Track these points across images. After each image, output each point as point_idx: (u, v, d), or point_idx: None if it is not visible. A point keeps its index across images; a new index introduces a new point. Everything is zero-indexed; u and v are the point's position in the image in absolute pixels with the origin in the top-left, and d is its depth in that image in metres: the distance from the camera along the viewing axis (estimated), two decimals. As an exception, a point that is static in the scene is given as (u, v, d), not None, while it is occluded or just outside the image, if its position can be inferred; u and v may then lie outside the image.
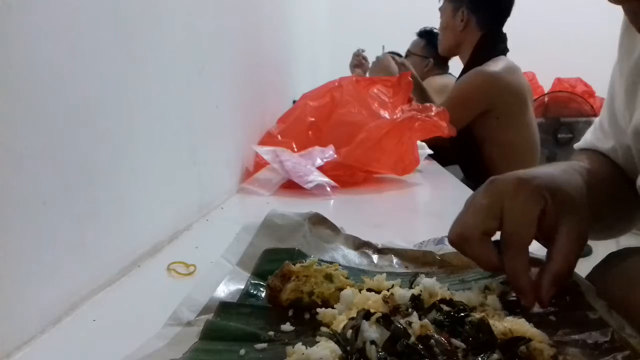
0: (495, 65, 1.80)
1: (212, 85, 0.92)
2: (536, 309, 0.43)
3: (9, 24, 0.41)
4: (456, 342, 0.36)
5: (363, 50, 2.46)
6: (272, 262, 0.53)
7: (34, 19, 0.44)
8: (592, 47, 3.24)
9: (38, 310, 0.45)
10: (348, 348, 0.35)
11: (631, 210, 0.66)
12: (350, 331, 0.36)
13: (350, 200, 1.02)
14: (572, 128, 3.08)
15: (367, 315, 0.37)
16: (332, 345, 0.36)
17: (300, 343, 0.37)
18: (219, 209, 0.92)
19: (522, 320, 0.39)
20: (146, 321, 0.44)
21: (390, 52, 2.24)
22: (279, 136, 1.24)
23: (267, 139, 1.24)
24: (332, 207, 0.97)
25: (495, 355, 0.35)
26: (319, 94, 1.30)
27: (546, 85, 3.98)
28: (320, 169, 1.09)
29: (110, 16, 0.57)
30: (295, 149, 1.19)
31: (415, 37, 2.63)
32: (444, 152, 1.68)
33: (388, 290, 0.44)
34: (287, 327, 0.43)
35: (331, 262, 0.53)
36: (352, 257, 0.58)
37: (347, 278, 0.48)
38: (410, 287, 0.45)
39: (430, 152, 1.43)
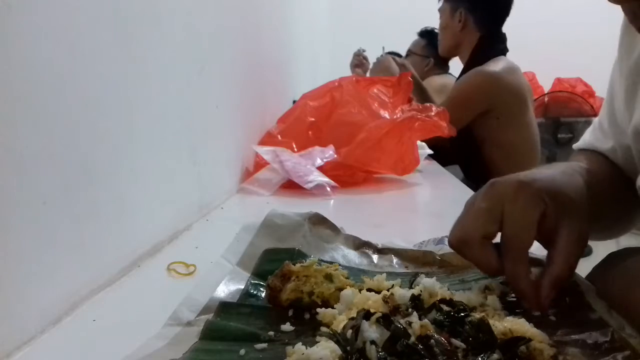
0: (495, 65, 1.80)
1: (212, 85, 0.92)
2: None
3: (9, 24, 0.41)
4: (456, 342, 0.36)
5: (364, 50, 2.46)
6: (272, 262, 0.53)
7: (34, 19, 0.44)
8: (592, 47, 3.24)
9: (38, 310, 0.45)
10: (348, 348, 0.35)
11: (631, 210, 0.66)
12: (350, 331, 0.36)
13: (350, 200, 1.02)
14: (572, 128, 3.08)
15: (367, 315, 0.37)
16: (332, 345, 0.36)
17: (300, 343, 0.37)
18: (219, 209, 0.92)
19: (522, 320, 0.39)
20: (146, 321, 0.44)
21: (390, 53, 2.24)
22: (279, 136, 1.24)
23: (267, 139, 1.24)
24: (332, 207, 0.97)
25: (495, 355, 0.35)
26: (319, 94, 1.30)
27: (546, 85, 3.98)
28: (320, 169, 1.09)
29: (110, 16, 0.57)
30: (295, 149, 1.19)
31: (415, 37, 2.64)
32: (444, 152, 1.68)
33: (388, 290, 0.44)
34: (287, 327, 0.43)
35: (331, 262, 0.53)
36: (352, 257, 0.58)
37: (347, 278, 0.48)
38: (410, 287, 0.45)
39: (430, 152, 1.43)
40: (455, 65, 2.09)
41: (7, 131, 0.41)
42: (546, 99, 3.24)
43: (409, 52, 2.63)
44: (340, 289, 0.46)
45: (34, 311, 0.44)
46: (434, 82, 2.38)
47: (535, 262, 0.47)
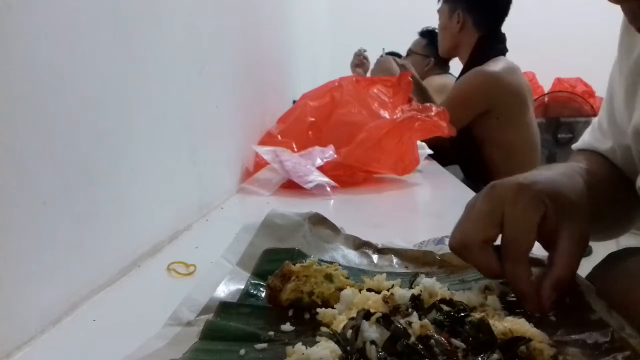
0: (495, 65, 1.80)
1: (212, 85, 0.92)
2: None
3: (9, 24, 0.41)
4: (456, 342, 0.36)
5: (365, 50, 2.47)
6: (272, 262, 0.53)
7: (34, 19, 0.44)
8: (592, 47, 3.24)
9: (38, 310, 0.45)
10: (348, 348, 0.35)
11: (630, 210, 0.66)
12: (350, 331, 0.36)
13: (350, 200, 1.02)
14: (572, 128, 3.08)
15: (367, 315, 0.37)
16: (332, 345, 0.36)
17: (300, 343, 0.37)
18: (219, 209, 0.92)
19: (522, 320, 0.39)
20: (146, 321, 0.44)
21: (389, 53, 2.24)
22: (279, 136, 1.24)
23: (267, 139, 1.24)
24: (332, 207, 0.97)
25: (495, 355, 0.35)
26: (319, 94, 1.30)
27: (546, 85, 3.98)
28: (320, 169, 1.09)
29: (110, 16, 0.57)
30: (295, 149, 1.19)
31: (415, 37, 2.64)
32: (444, 152, 1.68)
33: (388, 290, 0.44)
34: (287, 327, 0.43)
35: (331, 262, 0.53)
36: (352, 257, 0.58)
37: (347, 278, 0.48)
38: (410, 287, 0.45)
39: (430, 152, 1.43)
40: (456, 65, 2.09)
41: (7, 131, 0.41)
42: (546, 99, 3.24)
43: (410, 52, 2.63)
44: (340, 289, 0.46)
45: (34, 311, 0.44)
46: (434, 82, 2.38)
47: (535, 262, 0.47)
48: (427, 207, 1.14)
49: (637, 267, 0.46)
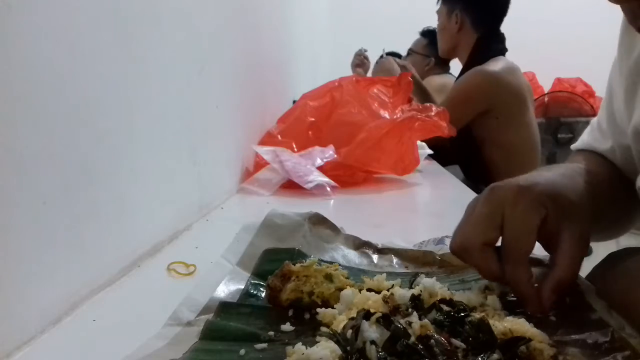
0: (495, 65, 1.80)
1: (212, 85, 0.92)
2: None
3: (9, 24, 0.41)
4: (456, 342, 0.36)
5: (365, 50, 2.47)
6: (272, 262, 0.53)
7: (34, 19, 0.44)
8: (592, 47, 3.23)
9: (38, 310, 0.45)
10: (348, 348, 0.35)
11: (630, 211, 0.66)
12: (350, 331, 0.36)
13: (350, 200, 1.02)
14: (572, 128, 3.08)
15: (367, 315, 0.37)
16: (332, 345, 0.36)
17: (300, 343, 0.37)
18: (219, 209, 0.92)
19: (522, 320, 0.39)
20: (146, 321, 0.44)
21: (389, 53, 2.24)
22: (279, 136, 1.24)
23: (267, 139, 1.24)
24: (332, 207, 0.97)
25: (495, 355, 0.35)
26: (319, 94, 1.30)
27: (546, 85, 3.98)
28: (320, 169, 1.09)
29: (110, 16, 0.57)
30: (295, 149, 1.19)
31: (415, 37, 2.63)
32: (444, 152, 1.68)
33: (388, 290, 0.44)
34: (287, 327, 0.43)
35: (331, 262, 0.53)
36: (352, 257, 0.58)
37: (347, 278, 0.48)
38: (410, 287, 0.45)
39: (430, 152, 1.43)
40: (457, 65, 2.09)
41: (7, 131, 0.41)
42: (546, 99, 3.24)
43: (411, 51, 2.63)
44: (340, 289, 0.46)
45: (34, 311, 0.44)
46: (434, 82, 2.38)
47: (535, 262, 0.47)
48: (427, 207, 1.14)
49: (637, 267, 0.46)
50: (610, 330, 0.38)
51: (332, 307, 0.44)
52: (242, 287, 0.50)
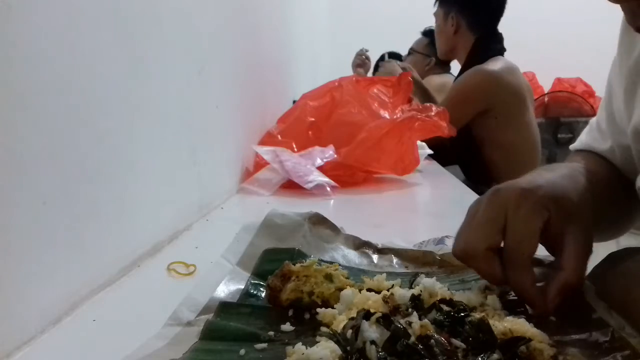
0: (494, 65, 1.80)
1: (212, 85, 0.92)
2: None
3: (9, 24, 0.41)
4: (456, 342, 0.36)
5: (367, 50, 2.47)
6: (272, 262, 0.52)
7: (34, 19, 0.44)
8: (592, 47, 3.23)
9: (38, 310, 0.45)
10: (348, 348, 0.35)
11: (630, 210, 0.66)
12: (350, 331, 0.36)
13: (350, 200, 1.02)
14: (572, 128, 3.09)
15: (367, 315, 0.37)
16: (332, 345, 0.36)
17: (300, 343, 0.37)
18: (219, 209, 0.92)
19: (522, 320, 0.39)
20: (146, 321, 0.44)
21: (390, 53, 2.24)
22: (279, 136, 1.24)
23: (267, 139, 1.24)
24: (332, 207, 0.97)
25: (495, 355, 0.35)
26: (319, 94, 1.30)
27: (546, 85, 3.98)
28: (320, 169, 1.09)
29: (110, 16, 0.57)
30: (295, 149, 1.19)
31: (415, 37, 2.63)
32: (444, 152, 1.68)
33: (388, 290, 0.44)
34: (287, 327, 0.43)
35: (331, 262, 0.53)
36: (352, 257, 0.58)
37: (347, 278, 0.48)
38: (410, 287, 0.45)
39: (430, 152, 1.43)
40: (457, 65, 2.09)
41: (7, 131, 0.41)
42: (546, 99, 3.24)
43: (412, 51, 2.62)
44: (340, 289, 0.46)
45: (34, 311, 0.44)
46: (433, 82, 2.38)
47: (535, 262, 0.47)
48: (427, 207, 1.14)
49: (637, 267, 0.46)
50: (610, 330, 0.38)
51: (332, 307, 0.44)
52: (242, 287, 0.50)
